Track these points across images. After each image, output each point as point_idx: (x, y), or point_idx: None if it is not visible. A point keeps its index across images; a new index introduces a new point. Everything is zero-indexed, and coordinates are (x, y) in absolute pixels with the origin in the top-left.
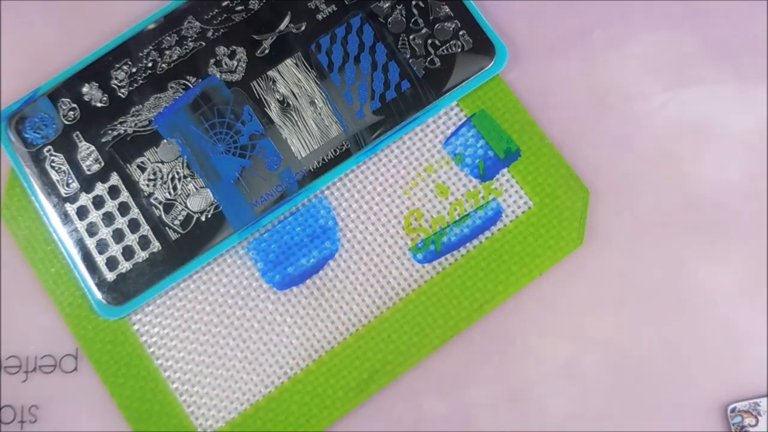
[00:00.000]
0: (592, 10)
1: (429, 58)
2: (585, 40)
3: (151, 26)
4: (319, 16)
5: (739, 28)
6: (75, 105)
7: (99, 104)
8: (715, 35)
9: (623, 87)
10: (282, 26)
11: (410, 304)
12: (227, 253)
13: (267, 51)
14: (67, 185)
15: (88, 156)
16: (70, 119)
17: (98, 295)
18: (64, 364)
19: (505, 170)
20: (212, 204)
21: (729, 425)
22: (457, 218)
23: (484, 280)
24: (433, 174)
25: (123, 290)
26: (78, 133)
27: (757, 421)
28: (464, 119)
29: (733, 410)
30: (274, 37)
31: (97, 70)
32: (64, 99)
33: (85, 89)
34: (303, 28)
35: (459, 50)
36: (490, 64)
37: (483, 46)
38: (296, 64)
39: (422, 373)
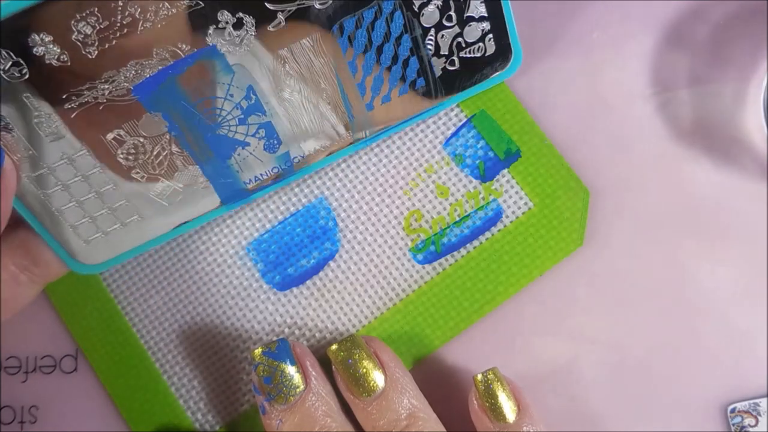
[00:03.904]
0: (592, 11)
1: (450, 59)
2: (585, 41)
3: None
4: None
5: (739, 28)
6: (19, 59)
7: (56, 62)
8: (716, 35)
9: (623, 87)
10: None
11: (410, 305)
12: (227, 254)
13: (282, 25)
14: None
15: (46, 122)
16: (13, 77)
17: (70, 253)
18: (63, 364)
19: (505, 171)
20: (202, 181)
21: (729, 425)
22: (458, 219)
23: (485, 281)
24: (433, 175)
25: (95, 253)
26: (28, 94)
27: (757, 421)
28: (464, 120)
29: (733, 410)
30: (293, 10)
31: (50, 17)
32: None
33: (34, 40)
34: (328, 4)
35: (480, 54)
36: (503, 71)
37: (503, 51)
38: (313, 46)
39: (422, 373)
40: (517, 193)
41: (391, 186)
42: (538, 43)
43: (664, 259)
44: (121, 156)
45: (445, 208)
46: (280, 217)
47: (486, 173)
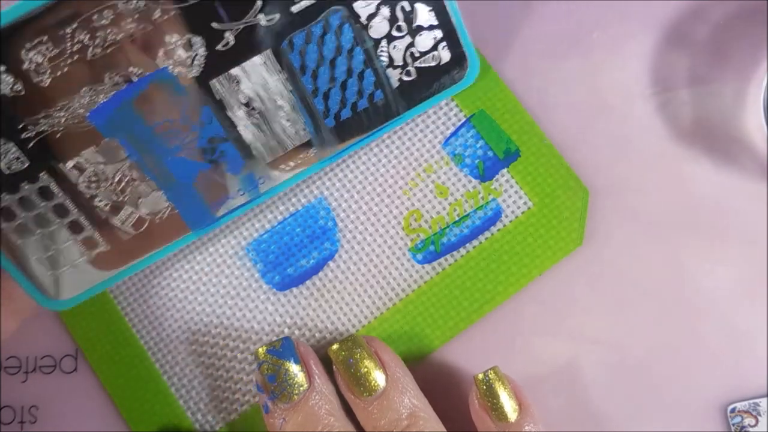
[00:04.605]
0: (591, 11)
1: (406, 69)
2: (585, 41)
3: None
4: (295, 8)
5: (739, 28)
6: None
7: (10, 93)
8: (716, 35)
9: (623, 87)
10: (250, 16)
11: (410, 305)
12: (227, 254)
13: (231, 44)
14: None
15: (4, 153)
16: None
17: (39, 288)
18: (63, 364)
19: (504, 170)
20: (167, 207)
21: (729, 425)
22: (457, 219)
23: (484, 280)
24: (432, 174)
25: (64, 287)
26: None
27: (757, 421)
28: (463, 120)
29: (733, 410)
30: (240, 29)
31: (1, 47)
32: None
33: None
34: (275, 20)
35: (436, 63)
36: (462, 80)
37: (458, 60)
38: (265, 63)
39: (422, 373)
40: (516, 192)
41: (390, 186)
42: (538, 43)
43: (664, 259)
44: (83, 184)
45: (444, 208)
46: (280, 218)
47: (485, 173)
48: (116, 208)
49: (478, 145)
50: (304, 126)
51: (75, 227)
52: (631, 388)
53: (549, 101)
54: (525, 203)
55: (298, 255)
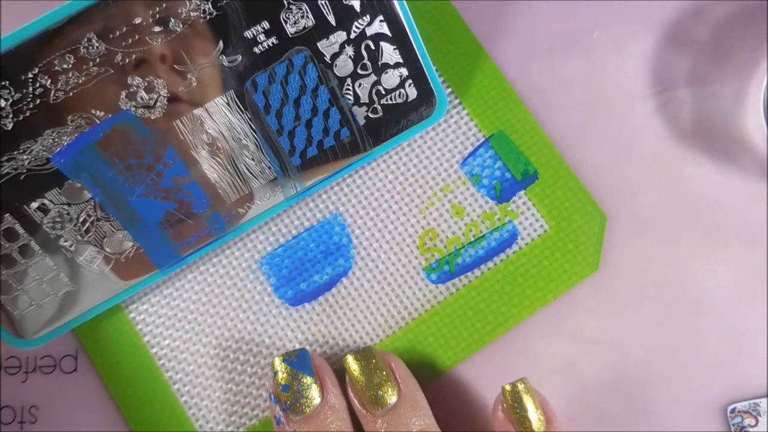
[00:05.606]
0: (592, 11)
1: (372, 107)
2: (585, 41)
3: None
4: (257, 49)
5: (739, 28)
6: None
7: None
8: (716, 35)
9: (623, 87)
10: (212, 58)
11: (422, 325)
12: (240, 267)
13: (194, 86)
14: None
15: None
16: None
17: (8, 329)
18: (63, 364)
19: (522, 192)
20: (133, 246)
21: (729, 425)
22: (472, 239)
23: (498, 302)
24: (449, 194)
25: (31, 326)
26: None
27: (757, 422)
28: (482, 140)
29: (733, 410)
30: (203, 70)
31: None
32: None
33: None
34: (237, 61)
35: (402, 101)
36: (430, 116)
37: (426, 96)
38: (228, 103)
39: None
40: (533, 215)
41: (406, 204)
42: (538, 43)
43: (664, 259)
44: (48, 225)
45: (460, 228)
46: (294, 232)
47: (502, 194)
48: (81, 249)
49: (496, 166)
50: (269, 164)
51: (40, 268)
52: (631, 388)
53: (549, 101)
54: (541, 226)
55: (311, 270)
